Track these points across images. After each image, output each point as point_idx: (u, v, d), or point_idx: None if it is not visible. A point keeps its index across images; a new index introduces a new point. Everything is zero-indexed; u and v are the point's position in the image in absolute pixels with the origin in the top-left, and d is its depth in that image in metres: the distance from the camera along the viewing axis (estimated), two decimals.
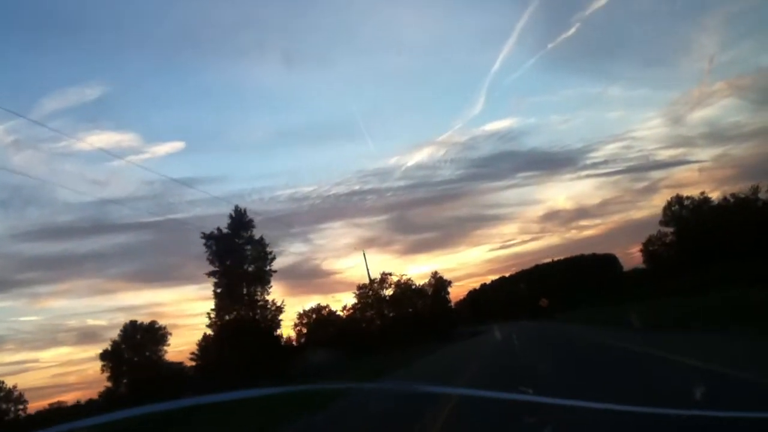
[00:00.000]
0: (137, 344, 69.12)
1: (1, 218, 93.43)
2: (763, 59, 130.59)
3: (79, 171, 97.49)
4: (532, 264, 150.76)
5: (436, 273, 77.05)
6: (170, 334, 71.70)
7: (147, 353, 69.83)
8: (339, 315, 73.62)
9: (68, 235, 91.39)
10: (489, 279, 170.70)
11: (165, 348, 70.93)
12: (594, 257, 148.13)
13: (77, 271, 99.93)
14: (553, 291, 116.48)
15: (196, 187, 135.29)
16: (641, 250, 65.99)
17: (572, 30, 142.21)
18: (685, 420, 5.79)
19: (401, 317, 74.16)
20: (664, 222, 62.76)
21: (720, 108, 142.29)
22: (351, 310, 70.67)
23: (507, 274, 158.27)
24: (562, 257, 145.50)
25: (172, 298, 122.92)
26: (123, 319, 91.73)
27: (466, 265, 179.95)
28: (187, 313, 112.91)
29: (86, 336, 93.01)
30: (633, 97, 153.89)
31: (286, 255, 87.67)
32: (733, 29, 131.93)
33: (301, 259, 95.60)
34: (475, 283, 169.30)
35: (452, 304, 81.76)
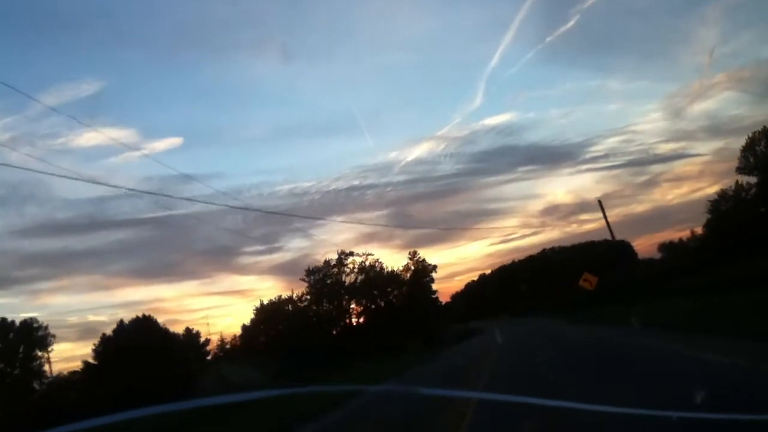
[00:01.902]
0: (4, 349, 50.70)
1: (0, 215, 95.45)
2: (763, 51, 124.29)
3: (78, 167, 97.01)
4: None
5: (415, 253, 58.37)
6: (54, 336, 53.29)
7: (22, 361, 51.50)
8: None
9: (67, 231, 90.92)
10: (489, 272, 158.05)
11: (46, 355, 52.52)
12: (607, 243, 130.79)
13: (77, 267, 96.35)
14: (565, 280, 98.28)
15: (194, 183, 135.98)
16: (708, 210, 46.67)
17: (571, 23, 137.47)
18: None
19: (368, 312, 55.85)
20: (744, 169, 42.51)
21: (720, 101, 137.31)
22: (300, 304, 52.20)
23: (509, 262, 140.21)
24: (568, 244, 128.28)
25: (173, 293, 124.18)
26: (123, 314, 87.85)
27: (466, 259, 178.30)
28: (187, 308, 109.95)
29: (87, 332, 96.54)
30: (632, 90, 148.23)
31: (286, 250, 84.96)
32: (733, 21, 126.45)
33: (301, 255, 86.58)
34: (474, 276, 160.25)
35: (439, 295, 62.83)
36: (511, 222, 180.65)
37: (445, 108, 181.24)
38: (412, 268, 57.78)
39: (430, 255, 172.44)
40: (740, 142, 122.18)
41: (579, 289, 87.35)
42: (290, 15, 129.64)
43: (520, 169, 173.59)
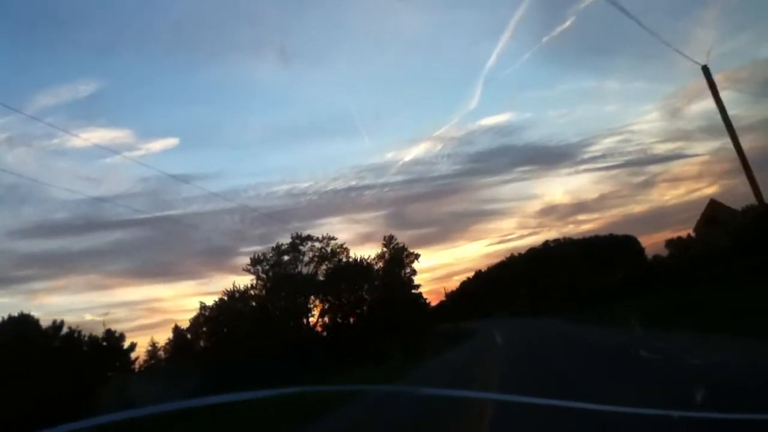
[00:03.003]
0: None
1: None
2: (760, 51, 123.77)
3: (74, 168, 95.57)
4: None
5: (391, 238, 47.17)
6: None
7: None
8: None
9: (64, 232, 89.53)
10: (486, 268, 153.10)
11: None
12: (612, 238, 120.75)
13: (74, 267, 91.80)
14: (569, 276, 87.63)
15: (191, 183, 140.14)
16: None
17: (567, 23, 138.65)
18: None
19: (333, 311, 44.78)
20: None
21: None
22: (236, 303, 41.05)
23: (508, 256, 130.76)
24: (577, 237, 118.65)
25: (170, 293, 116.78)
26: (121, 314, 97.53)
27: (464, 260, 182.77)
28: (185, 308, 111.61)
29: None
30: (630, 91, 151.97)
31: None
32: (730, 21, 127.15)
33: None
34: (472, 275, 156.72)
35: (426, 292, 50.97)
36: (509, 222, 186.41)
37: (443, 108, 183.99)
38: (388, 256, 46.72)
39: (428, 256, 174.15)
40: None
41: (586, 286, 75.57)
42: (287, 15, 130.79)
43: (518, 169, 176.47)
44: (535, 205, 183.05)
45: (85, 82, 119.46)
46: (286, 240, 43.49)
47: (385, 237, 47.57)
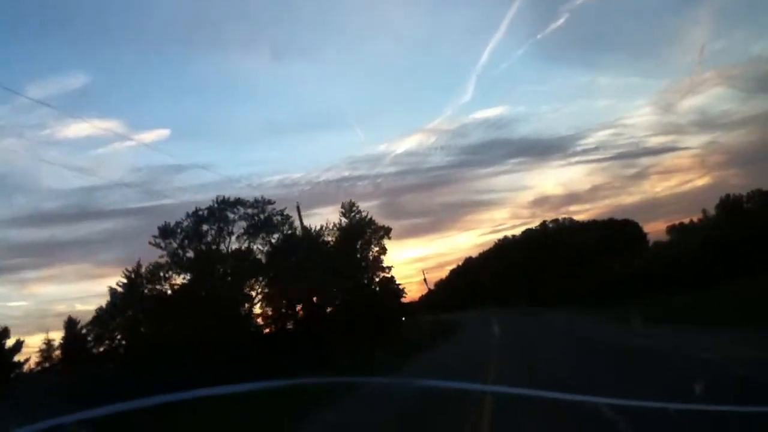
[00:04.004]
0: None
1: None
2: (753, 48, 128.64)
3: (66, 158, 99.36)
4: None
5: (352, 205, 36.64)
6: None
7: None
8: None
9: (55, 221, 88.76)
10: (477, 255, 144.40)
11: None
12: (612, 222, 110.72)
13: (65, 256, 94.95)
14: (574, 262, 77.79)
15: (183, 173, 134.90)
16: None
17: (561, 20, 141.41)
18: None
19: (271, 302, 34.15)
20: None
21: (710, 96, 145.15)
22: (146, 286, 30.39)
23: (501, 238, 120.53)
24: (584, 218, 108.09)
25: None
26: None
27: (456, 249, 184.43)
28: None
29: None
30: (623, 86, 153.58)
31: None
32: (723, 18, 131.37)
33: None
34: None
35: (392, 273, 39.58)
36: (502, 213, 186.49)
37: (436, 101, 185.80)
38: (347, 228, 36.05)
39: (421, 246, 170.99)
40: (729, 136, 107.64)
41: (590, 275, 65.24)
42: (280, 7, 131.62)
43: (511, 161, 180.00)
44: (528, 196, 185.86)
45: (77, 73, 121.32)
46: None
47: (343, 203, 37.06)
